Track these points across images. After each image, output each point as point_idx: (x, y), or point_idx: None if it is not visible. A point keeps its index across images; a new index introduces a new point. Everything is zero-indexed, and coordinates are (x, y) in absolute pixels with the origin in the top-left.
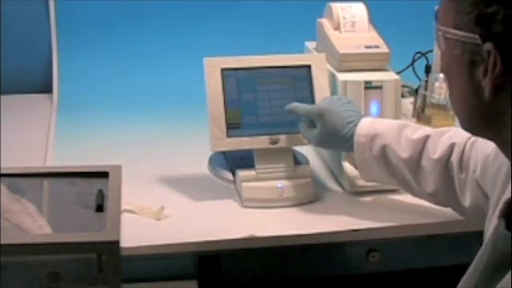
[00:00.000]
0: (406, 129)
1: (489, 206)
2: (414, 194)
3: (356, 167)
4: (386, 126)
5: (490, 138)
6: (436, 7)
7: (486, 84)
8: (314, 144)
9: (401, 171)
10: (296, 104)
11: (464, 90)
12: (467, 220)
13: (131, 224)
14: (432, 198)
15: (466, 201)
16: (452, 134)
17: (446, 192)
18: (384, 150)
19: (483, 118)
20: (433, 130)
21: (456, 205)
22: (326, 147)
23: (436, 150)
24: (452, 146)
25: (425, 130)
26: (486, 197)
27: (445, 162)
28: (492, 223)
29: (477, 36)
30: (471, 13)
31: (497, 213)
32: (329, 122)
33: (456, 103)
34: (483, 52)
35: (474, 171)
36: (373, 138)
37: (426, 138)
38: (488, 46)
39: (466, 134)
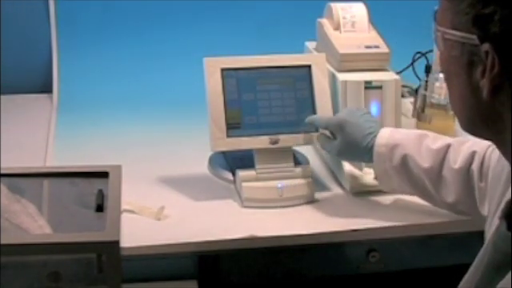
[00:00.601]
0: (426, 138)
1: None
2: (434, 204)
3: (376, 178)
4: (406, 136)
5: (489, 139)
6: (435, 8)
7: (484, 84)
8: (335, 155)
9: (421, 181)
10: (315, 116)
11: (463, 91)
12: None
13: (131, 224)
14: (452, 207)
15: (485, 209)
16: (473, 143)
17: (467, 201)
18: (405, 159)
19: (482, 119)
20: (453, 139)
21: (476, 213)
22: (346, 158)
23: (457, 160)
24: (473, 155)
25: (445, 139)
26: None
27: (466, 171)
28: (493, 224)
29: (474, 37)
30: (469, 13)
31: (498, 213)
32: (349, 133)
33: (455, 103)
34: (481, 52)
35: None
36: (393, 148)
37: (447, 147)
38: (486, 46)
39: (486, 143)
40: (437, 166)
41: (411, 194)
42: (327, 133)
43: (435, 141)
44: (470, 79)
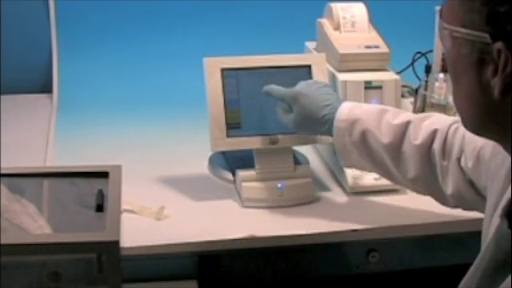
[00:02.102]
0: (386, 114)
1: (472, 193)
2: (395, 181)
3: (335, 153)
4: (366, 111)
5: (494, 138)
6: (437, 7)
7: (496, 83)
8: (292, 128)
9: (381, 157)
10: (272, 86)
11: (471, 90)
12: (447, 206)
13: (131, 224)
14: (412, 184)
15: (448, 187)
16: (434, 120)
17: (427, 178)
18: (364, 135)
19: (490, 118)
20: (414, 115)
21: (437, 191)
22: (303, 131)
23: (417, 136)
24: (434, 133)
25: (406, 115)
26: (471, 185)
27: (427, 148)
28: (493, 222)
29: (486, 35)
30: (482, 11)
31: (499, 211)
32: (304, 105)
33: (461, 103)
34: (493, 51)
35: (458, 159)
36: (352, 123)
37: (408, 123)
38: (498, 45)
39: (448, 120)
40: (397, 141)
41: (371, 170)
42: (284, 105)
43: (395, 116)
44: (479, 78)
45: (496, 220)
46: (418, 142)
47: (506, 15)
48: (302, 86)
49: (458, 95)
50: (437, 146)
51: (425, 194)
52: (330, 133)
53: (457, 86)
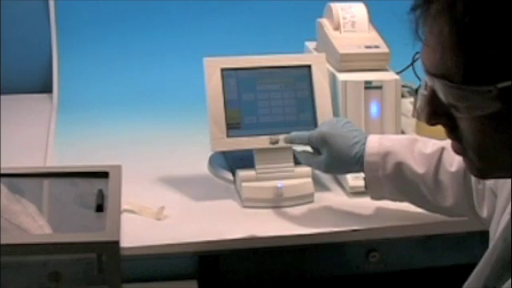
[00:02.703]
0: (417, 143)
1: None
2: (429, 209)
3: (366, 187)
4: (397, 142)
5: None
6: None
7: None
8: (322, 171)
9: (416, 187)
10: (295, 133)
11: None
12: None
13: (131, 224)
14: (448, 211)
15: (484, 212)
16: None
17: (464, 204)
18: (399, 167)
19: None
20: (445, 142)
21: (474, 216)
22: (335, 172)
23: (453, 163)
24: None
25: (437, 143)
26: None
27: (462, 173)
28: (502, 221)
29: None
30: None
31: (508, 210)
32: (334, 146)
33: (496, 154)
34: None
35: (490, 180)
36: (384, 155)
37: (441, 150)
38: None
39: None
40: (432, 170)
41: (402, 200)
42: (308, 149)
43: (427, 145)
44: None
45: (505, 218)
46: (453, 168)
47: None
48: (326, 126)
49: (498, 152)
50: None
51: (461, 216)
52: (361, 170)
53: (501, 143)
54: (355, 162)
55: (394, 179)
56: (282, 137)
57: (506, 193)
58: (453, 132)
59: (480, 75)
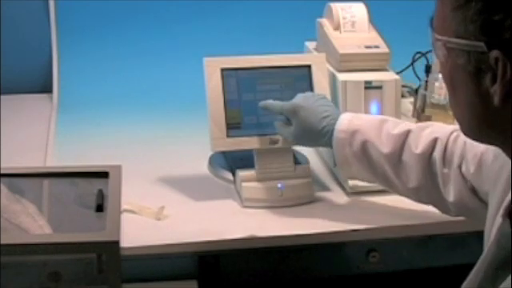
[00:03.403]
0: (386, 124)
1: (474, 200)
2: (395, 191)
3: (335, 164)
4: (366, 122)
5: (495, 144)
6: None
7: (495, 91)
8: (292, 141)
9: (382, 167)
10: (269, 101)
11: (470, 98)
12: (449, 214)
13: (131, 224)
14: (414, 194)
15: (450, 195)
16: (434, 129)
17: (429, 187)
18: (365, 145)
19: (490, 125)
20: (414, 124)
21: (439, 200)
22: (303, 144)
23: (418, 145)
24: (435, 141)
25: (406, 124)
26: (473, 192)
27: (427, 156)
28: (495, 223)
29: (482, 44)
30: (476, 21)
31: (501, 212)
32: (304, 118)
33: (460, 112)
34: (490, 59)
35: (459, 166)
36: (353, 133)
37: (408, 132)
38: (495, 53)
39: (449, 129)
40: (397, 151)
41: (370, 180)
42: (284, 119)
43: (395, 126)
44: (478, 87)
45: (498, 220)
46: (418, 150)
47: (501, 23)
48: (299, 98)
49: (456, 104)
50: (437, 154)
51: (426, 203)
52: (329, 144)
53: (454, 95)
54: (323, 136)
55: (360, 157)
56: (281, 138)
57: (498, 194)
58: None
59: (439, 25)
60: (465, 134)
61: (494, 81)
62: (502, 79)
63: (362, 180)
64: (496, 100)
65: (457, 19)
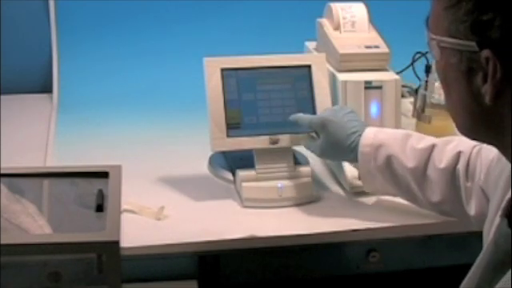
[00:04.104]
0: (410, 138)
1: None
2: (418, 204)
3: (360, 178)
4: (391, 136)
5: (489, 142)
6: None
7: (487, 90)
8: (318, 155)
9: (405, 181)
10: (299, 114)
11: (463, 97)
12: (471, 227)
13: (131, 224)
14: (437, 207)
15: (472, 209)
16: (458, 143)
17: (452, 201)
18: (389, 160)
19: (483, 124)
20: (438, 139)
21: (461, 214)
22: (330, 158)
23: (442, 160)
24: (458, 155)
25: (430, 139)
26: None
27: (451, 171)
28: (494, 223)
29: (473, 43)
30: (466, 21)
31: (500, 212)
32: (332, 132)
33: (455, 109)
34: (481, 59)
35: (480, 179)
36: (377, 148)
37: (432, 147)
38: (486, 52)
39: (472, 143)
40: (422, 165)
41: (394, 194)
42: (312, 133)
43: (420, 140)
44: (470, 85)
45: (497, 220)
46: (442, 165)
47: (490, 23)
48: (328, 112)
49: (450, 102)
50: (461, 168)
51: (450, 216)
52: (355, 159)
53: (449, 94)
54: (350, 151)
55: (384, 172)
56: (282, 137)
57: (498, 194)
58: None
59: (433, 24)
60: (460, 132)
61: (485, 80)
62: (493, 79)
63: (385, 194)
64: (487, 99)
65: (449, 18)
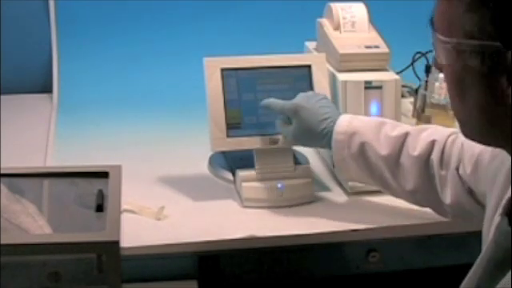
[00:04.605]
0: (384, 126)
1: (471, 202)
2: (393, 193)
3: (334, 166)
4: (365, 124)
5: (498, 145)
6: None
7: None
8: (290, 141)
9: (379, 169)
10: (271, 100)
11: (481, 100)
12: (446, 217)
13: (131, 224)
14: (411, 196)
15: (447, 197)
16: (432, 132)
17: (426, 189)
18: (363, 147)
19: (499, 126)
20: (412, 127)
21: (436, 202)
22: (302, 144)
23: (416, 147)
24: (432, 144)
25: (404, 127)
26: (470, 193)
27: (425, 159)
28: (493, 222)
29: (499, 44)
30: (494, 22)
31: (499, 210)
32: (304, 118)
33: (469, 114)
34: (507, 59)
35: (457, 168)
36: (351, 135)
37: (406, 135)
38: None
39: (446, 132)
40: (395, 153)
41: (368, 182)
42: (285, 118)
43: (394, 128)
44: (492, 88)
45: (496, 219)
46: (416, 153)
47: None
48: (301, 98)
49: (463, 107)
50: (435, 156)
51: (424, 205)
52: (328, 146)
53: (463, 98)
54: (322, 137)
55: (358, 159)
56: (282, 137)
57: (496, 193)
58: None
59: (446, 27)
60: (468, 136)
61: (510, 81)
62: None
63: (359, 182)
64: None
65: (471, 20)
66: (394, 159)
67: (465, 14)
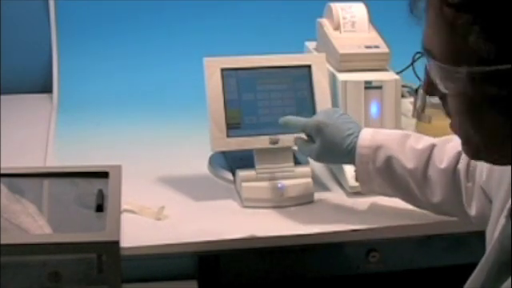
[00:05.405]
0: (409, 139)
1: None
2: (418, 205)
3: (357, 179)
4: (389, 137)
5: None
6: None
7: None
8: (314, 159)
9: (405, 182)
10: (289, 117)
11: (498, 123)
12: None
13: (131, 224)
14: (437, 208)
15: (473, 210)
16: (457, 142)
17: (452, 202)
18: (389, 161)
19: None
20: (436, 139)
21: (461, 214)
22: (326, 161)
23: (443, 160)
24: (459, 155)
25: (428, 139)
26: (491, 203)
27: (452, 171)
28: (499, 224)
29: None
30: (509, 44)
31: (504, 212)
32: (328, 135)
33: (481, 138)
34: None
35: (481, 179)
36: (376, 149)
37: (432, 147)
38: None
39: None
40: (422, 166)
41: (392, 195)
42: (304, 136)
43: (418, 141)
44: (510, 110)
45: (501, 221)
46: (443, 165)
47: None
48: (322, 115)
49: (474, 133)
50: (461, 167)
51: (449, 216)
52: (352, 161)
53: (476, 124)
54: (346, 154)
55: (383, 173)
56: (282, 137)
57: (502, 195)
58: (445, 107)
59: (453, 56)
60: (474, 157)
61: None
62: None
63: (383, 195)
64: None
65: (487, 45)
66: (421, 172)
67: (481, 40)
